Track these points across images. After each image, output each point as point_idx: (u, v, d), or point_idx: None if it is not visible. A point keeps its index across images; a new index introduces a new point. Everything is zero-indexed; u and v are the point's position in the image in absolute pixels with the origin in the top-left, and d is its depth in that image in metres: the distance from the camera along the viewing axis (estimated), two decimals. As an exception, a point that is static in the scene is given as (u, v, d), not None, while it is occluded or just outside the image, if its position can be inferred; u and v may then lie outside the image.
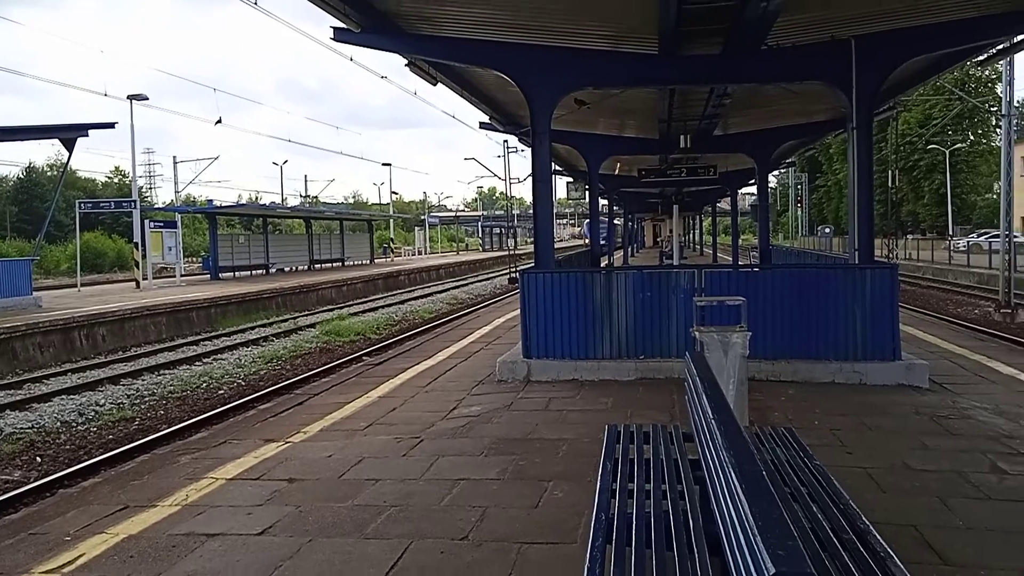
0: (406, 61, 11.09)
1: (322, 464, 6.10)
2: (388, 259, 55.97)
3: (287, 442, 6.86)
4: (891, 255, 31.94)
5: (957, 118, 57.44)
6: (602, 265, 22.82)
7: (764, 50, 9.18)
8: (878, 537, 3.22)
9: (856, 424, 6.86)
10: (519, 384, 9.09)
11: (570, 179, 30.72)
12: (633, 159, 22.68)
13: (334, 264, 43.88)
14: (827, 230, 64.20)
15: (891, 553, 3.08)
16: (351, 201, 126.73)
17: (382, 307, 27.10)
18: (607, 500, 3.67)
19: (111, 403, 12.44)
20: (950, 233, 51.92)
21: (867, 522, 3.37)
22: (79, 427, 11.07)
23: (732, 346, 6.04)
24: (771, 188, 79.68)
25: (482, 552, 4.27)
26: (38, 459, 9.56)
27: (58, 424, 11.13)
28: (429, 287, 37.31)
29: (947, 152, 54.79)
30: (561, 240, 79.73)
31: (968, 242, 42.41)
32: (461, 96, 14.08)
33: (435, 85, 12.27)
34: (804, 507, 3.57)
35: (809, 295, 8.84)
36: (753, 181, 35.18)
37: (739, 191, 33.76)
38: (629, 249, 48.36)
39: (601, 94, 12.53)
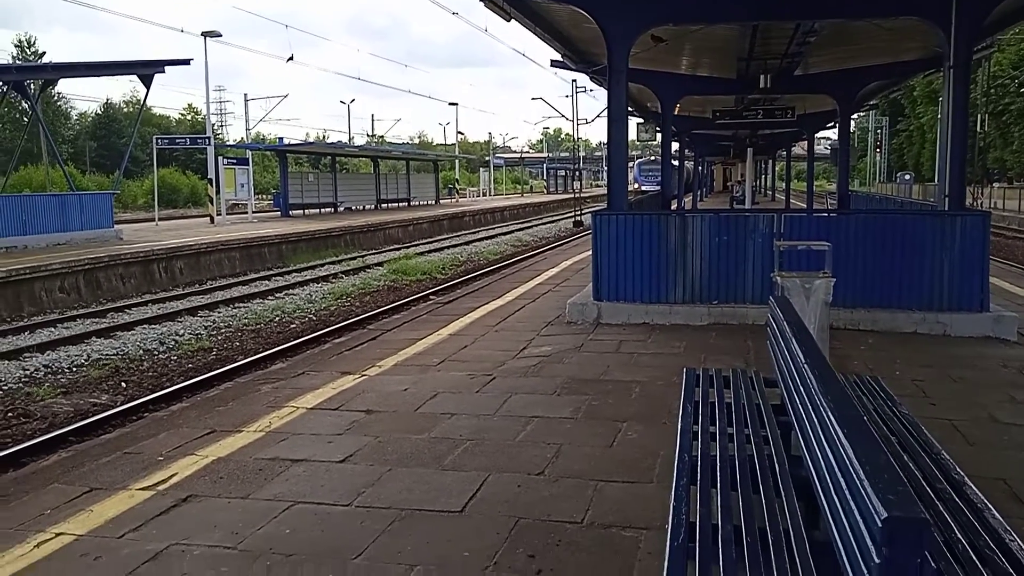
0: (479, -5, 10.88)
1: (398, 397, 6.22)
2: (453, 200, 56.12)
3: (363, 375, 7.00)
4: (976, 203, 30.55)
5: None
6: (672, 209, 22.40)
7: (858, -18, 8.73)
8: (974, 488, 3.12)
9: (940, 375, 6.65)
10: (589, 326, 9.06)
11: (640, 120, 30.04)
12: (706, 100, 21.99)
13: (400, 204, 44.21)
14: (907, 177, 61.64)
15: (988, 504, 2.98)
16: (416, 141, 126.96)
17: (448, 247, 27.29)
18: (689, 441, 3.64)
19: (190, 333, 12.88)
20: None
21: (961, 473, 3.27)
22: (160, 355, 11.51)
23: (815, 292, 5.89)
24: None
25: (559, 487, 4.31)
26: (123, 384, 9.99)
27: (141, 352, 11.60)
28: (493, 228, 37.35)
29: (1041, 96, 51.64)
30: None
31: (1059, 192, 40.26)
32: (533, 32, 13.75)
33: (508, 21, 12.02)
34: (895, 456, 3.48)
35: (894, 242, 8.52)
36: (831, 124, 33.86)
37: (815, 135, 32.53)
38: (698, 193, 47.26)
39: (679, 31, 12.12)
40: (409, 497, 4.21)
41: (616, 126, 9.72)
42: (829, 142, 68.46)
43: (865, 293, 8.44)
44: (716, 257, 8.98)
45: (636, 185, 58.94)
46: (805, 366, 3.17)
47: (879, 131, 78.90)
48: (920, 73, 18.73)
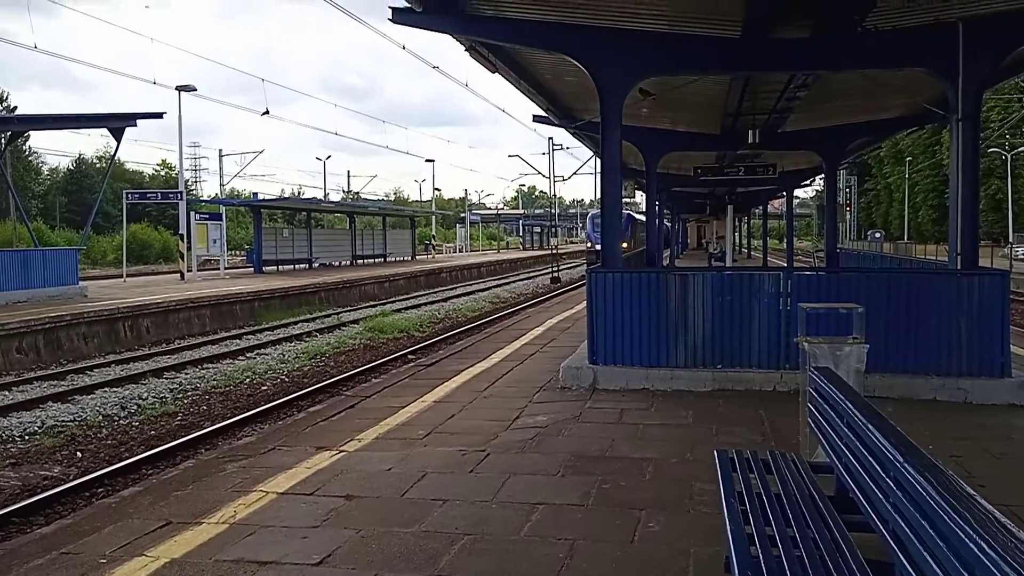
0: (465, 47, 10.53)
1: (381, 479, 5.51)
2: (429, 256, 55.62)
3: (341, 451, 6.29)
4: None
5: (1019, 123, 55.37)
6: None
7: (860, 33, 8.40)
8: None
9: (978, 451, 6.08)
10: (584, 392, 8.43)
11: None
12: (685, 156, 21.78)
13: (376, 260, 43.61)
14: (878, 235, 62.43)
15: None
16: (392, 197, 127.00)
17: (425, 304, 26.63)
18: (745, 548, 3.01)
19: (154, 397, 12.09)
20: (1010, 240, 49.95)
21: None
22: (121, 421, 10.73)
23: (845, 359, 5.32)
24: (817, 191, 77.98)
25: (579, 600, 3.64)
26: (79, 454, 9.23)
27: (100, 418, 10.80)
28: (471, 285, 36.78)
29: (1009, 156, 52.77)
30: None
31: (1030, 249, 40.68)
32: (516, 86, 13.46)
33: (494, 72, 11.68)
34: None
35: (908, 302, 8.03)
36: (807, 183, 34.10)
37: (793, 192, 32.58)
38: (674, 250, 47.01)
39: (667, 85, 11.81)
40: (401, 614, 3.52)
41: (610, 178, 9.26)
42: (798, 200, 69.27)
43: (880, 357, 7.86)
44: (719, 318, 8.44)
45: (589, 244, 48.44)
46: (905, 469, 2.57)
47: (848, 190, 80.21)
48: (907, 129, 18.66)
